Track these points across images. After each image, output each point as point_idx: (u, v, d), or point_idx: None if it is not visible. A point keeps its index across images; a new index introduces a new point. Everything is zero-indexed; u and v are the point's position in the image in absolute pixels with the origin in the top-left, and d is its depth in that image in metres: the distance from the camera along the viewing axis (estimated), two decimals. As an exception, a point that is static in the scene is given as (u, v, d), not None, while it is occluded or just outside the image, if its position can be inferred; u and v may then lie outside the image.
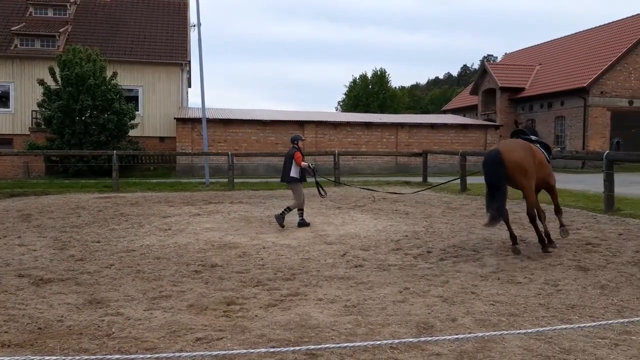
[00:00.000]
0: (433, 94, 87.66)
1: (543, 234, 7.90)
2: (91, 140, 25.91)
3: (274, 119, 30.31)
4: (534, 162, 7.67)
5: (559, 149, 30.64)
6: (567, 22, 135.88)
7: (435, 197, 16.03)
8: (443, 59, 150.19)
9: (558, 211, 8.69)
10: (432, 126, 32.23)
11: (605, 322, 4.47)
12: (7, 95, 30.97)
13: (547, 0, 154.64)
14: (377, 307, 5.32)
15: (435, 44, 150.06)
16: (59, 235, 9.60)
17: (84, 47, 27.27)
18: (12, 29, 31.22)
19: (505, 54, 49.96)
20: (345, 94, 66.85)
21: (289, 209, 10.56)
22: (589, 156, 26.05)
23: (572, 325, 4.46)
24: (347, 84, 66.20)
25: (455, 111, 45.28)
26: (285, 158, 10.93)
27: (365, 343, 4.11)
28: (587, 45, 36.13)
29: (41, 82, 26.33)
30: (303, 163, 10.59)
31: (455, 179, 14.03)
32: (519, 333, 3.89)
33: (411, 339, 4.11)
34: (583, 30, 39.29)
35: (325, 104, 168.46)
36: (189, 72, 35.76)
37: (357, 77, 64.06)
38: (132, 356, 3.62)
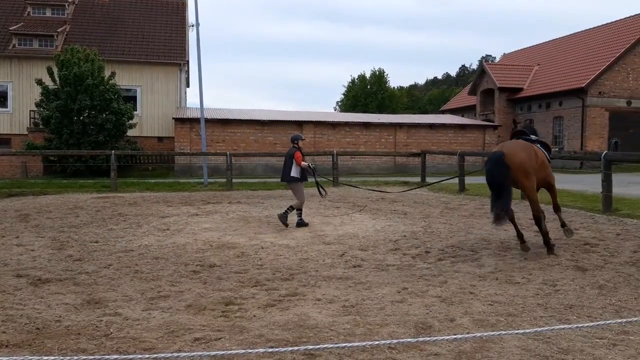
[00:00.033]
0: (431, 94, 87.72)
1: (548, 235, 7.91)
2: (89, 140, 25.88)
3: (272, 119, 30.30)
4: (536, 163, 7.72)
5: (557, 149, 30.71)
6: (565, 23, 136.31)
7: (433, 197, 16.04)
8: (441, 59, 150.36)
9: (557, 209, 8.73)
10: (431, 126, 32.25)
11: (603, 322, 4.48)
12: (5, 95, 30.93)
13: (546, 0, 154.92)
14: (376, 307, 5.32)
15: (433, 44, 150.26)
16: (57, 235, 9.59)
17: (82, 47, 27.23)
18: (10, 28, 31.18)
19: (504, 54, 49.99)
20: (343, 94, 66.91)
21: (291, 208, 10.58)
22: (587, 156, 26.09)
23: (570, 325, 4.47)
24: (346, 84, 66.30)
25: (453, 111, 45.31)
26: (285, 158, 10.94)
27: (364, 343, 4.11)
28: (585, 45, 36.18)
29: (39, 82, 26.30)
30: (303, 163, 10.59)
31: (446, 179, 14.04)
32: (517, 333, 3.89)
33: (409, 339, 4.11)
34: (581, 31, 39.34)
35: (323, 104, 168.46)
36: (188, 72, 35.75)
37: (356, 77, 64.14)
38: (131, 356, 3.62)
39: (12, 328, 4.74)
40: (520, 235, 7.96)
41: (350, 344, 3.75)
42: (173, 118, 29.46)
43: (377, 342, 4.11)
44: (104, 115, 26.20)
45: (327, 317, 5.04)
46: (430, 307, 5.31)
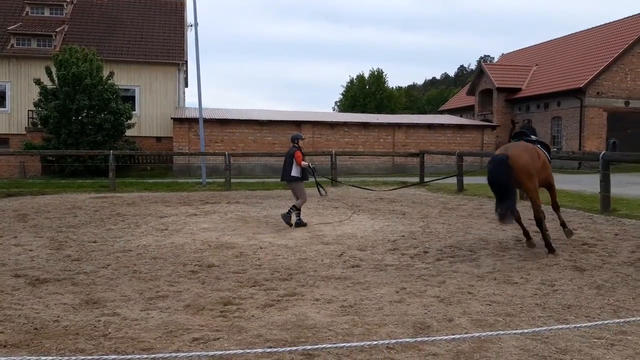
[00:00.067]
0: (430, 95, 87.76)
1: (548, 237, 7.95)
2: (88, 140, 25.86)
3: (271, 119, 30.30)
4: (539, 164, 7.82)
5: (555, 149, 30.75)
6: (565, 23, 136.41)
7: (432, 197, 16.05)
8: (440, 60, 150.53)
9: (557, 208, 8.83)
10: (429, 126, 32.27)
11: (601, 322, 4.49)
12: (3, 94, 30.89)
13: (545, 0, 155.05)
14: (374, 307, 5.32)
15: (432, 44, 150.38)
16: (55, 235, 9.58)
17: (80, 47, 27.21)
18: (9, 28, 31.14)
19: (502, 54, 50.02)
20: (342, 94, 66.92)
21: (295, 208, 10.59)
22: (585, 157, 26.13)
23: (568, 326, 4.47)
24: (344, 84, 66.30)
25: (452, 111, 45.34)
26: (285, 157, 10.95)
27: (362, 343, 4.11)
28: (583, 45, 36.22)
29: (38, 82, 26.27)
30: (303, 163, 10.60)
31: (436, 179, 14.06)
32: (515, 333, 3.90)
33: (408, 339, 4.11)
34: (579, 31, 39.40)
35: (322, 104, 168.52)
36: (186, 71, 35.74)
37: (354, 77, 64.15)
38: (129, 356, 3.61)
39: (10, 328, 4.73)
40: (526, 233, 8.09)
41: (348, 344, 3.76)
42: (171, 118, 29.45)
43: (375, 342, 4.11)
44: (103, 115, 26.18)
45: (325, 317, 5.04)
46: (428, 307, 5.31)
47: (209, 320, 4.98)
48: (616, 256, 7.54)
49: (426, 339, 3.50)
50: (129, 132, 28.30)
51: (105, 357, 3.88)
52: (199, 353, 4.03)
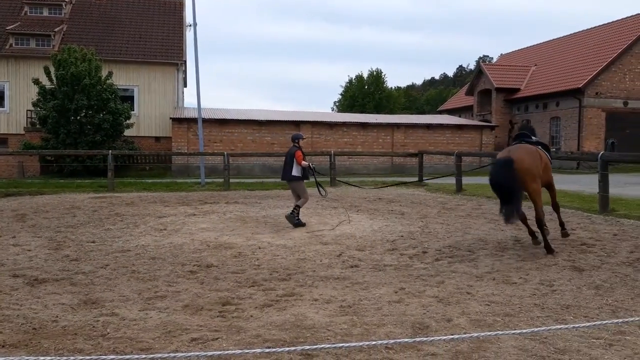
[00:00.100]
0: (429, 95, 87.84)
1: (547, 237, 8.00)
2: (86, 140, 25.84)
3: (269, 119, 30.30)
4: (541, 166, 7.96)
5: (554, 149, 30.79)
6: (565, 23, 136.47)
7: (431, 197, 16.06)
8: (439, 60, 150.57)
9: (557, 208, 8.94)
10: (428, 127, 32.29)
11: (599, 322, 4.49)
12: (2, 94, 30.86)
13: (545, 0, 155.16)
14: (373, 308, 5.32)
15: (431, 44, 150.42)
16: (53, 235, 9.57)
17: (79, 47, 27.20)
18: (7, 28, 31.11)
19: (501, 54, 50.07)
20: (341, 94, 66.91)
21: (298, 208, 10.60)
22: (584, 157, 26.18)
23: (566, 326, 4.47)
24: (343, 84, 66.30)
25: (451, 112, 45.37)
26: (285, 157, 10.95)
27: (361, 343, 4.11)
28: (582, 46, 36.26)
29: (36, 82, 26.24)
30: (304, 162, 10.60)
31: (425, 179, 14.06)
32: (514, 333, 3.90)
33: (406, 339, 4.11)
34: (578, 32, 39.44)
35: (321, 104, 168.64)
36: (185, 71, 35.73)
37: (353, 77, 64.18)
38: (127, 356, 3.61)
39: (8, 328, 4.72)
40: (531, 233, 8.21)
41: (347, 344, 3.76)
42: (170, 118, 29.44)
43: (374, 343, 4.11)
44: (101, 115, 26.16)
45: (324, 317, 5.04)
46: (427, 307, 5.31)
47: (208, 320, 4.98)
48: (615, 256, 7.54)
49: (425, 339, 3.50)
50: (127, 132, 28.29)
51: (104, 357, 3.88)
52: (197, 353, 4.03)
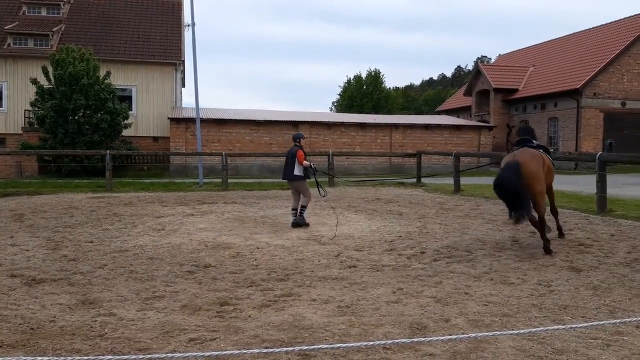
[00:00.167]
0: (427, 95, 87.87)
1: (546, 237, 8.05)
2: (84, 140, 25.81)
3: (268, 119, 30.29)
4: (545, 170, 8.11)
5: (552, 150, 30.83)
6: (564, 23, 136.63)
7: (429, 197, 16.07)
8: (437, 60, 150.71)
9: (555, 213, 9.07)
10: (426, 127, 32.31)
11: (597, 322, 4.50)
12: (0, 94, 30.81)
13: (542, 1, 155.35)
14: (371, 308, 5.32)
15: (430, 44, 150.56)
16: (51, 235, 9.55)
17: (77, 47, 27.17)
18: (5, 27, 31.07)
19: (499, 55, 50.16)
20: (339, 94, 66.89)
21: (304, 208, 10.61)
22: (582, 157, 26.18)
23: (564, 326, 4.48)
24: (342, 85, 66.33)
25: (449, 112, 45.40)
26: (287, 156, 10.95)
27: (359, 344, 4.11)
28: (580, 46, 36.31)
29: (34, 82, 26.21)
30: (305, 162, 10.60)
31: (415, 178, 14.04)
32: (511, 333, 3.91)
33: (404, 340, 4.12)
34: (576, 32, 39.50)
35: (319, 104, 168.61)
36: (183, 71, 35.70)
37: (352, 77, 64.15)
38: (125, 357, 3.61)
39: (6, 328, 4.72)
40: (542, 230, 8.23)
41: (345, 345, 3.76)
42: (168, 118, 29.42)
43: (372, 343, 4.11)
44: (99, 115, 26.13)
45: (322, 317, 5.04)
46: (425, 308, 5.32)
47: (206, 320, 4.97)
48: (612, 257, 7.56)
49: (423, 339, 3.50)
50: (125, 132, 28.27)
51: (102, 357, 3.87)
52: (195, 353, 4.02)
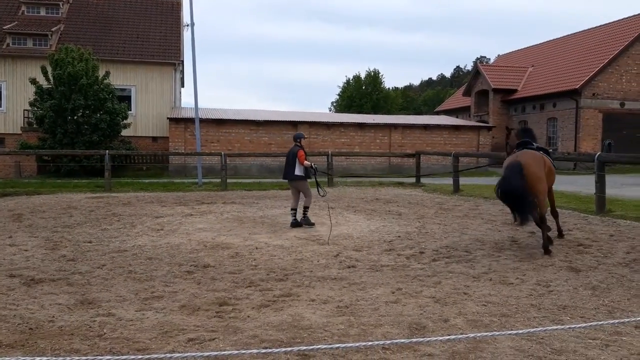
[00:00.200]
0: (426, 95, 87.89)
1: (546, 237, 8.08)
2: (83, 139, 25.78)
3: (267, 119, 30.28)
4: (546, 171, 8.19)
5: (551, 150, 30.86)
6: (563, 23, 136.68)
7: (428, 197, 16.08)
8: (436, 60, 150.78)
9: (556, 215, 9.10)
10: (425, 127, 32.31)
11: (596, 322, 4.50)
12: (-2, 94, 30.82)
13: (542, 1, 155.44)
14: (370, 308, 5.32)
15: (429, 45, 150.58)
16: (50, 235, 9.55)
17: (76, 46, 27.13)
18: (4, 27, 31.04)
19: (498, 55, 50.19)
20: (338, 94, 66.89)
21: (307, 209, 10.64)
22: (581, 158, 26.18)
23: (563, 326, 4.48)
24: (341, 85, 66.35)
25: (448, 112, 45.41)
26: (287, 156, 10.95)
27: (358, 344, 4.11)
28: (579, 47, 36.34)
29: (33, 81, 26.17)
30: (306, 162, 10.60)
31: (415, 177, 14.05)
32: (510, 334, 3.91)
33: (403, 340, 4.12)
34: (575, 33, 39.53)
35: (318, 104, 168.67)
36: (182, 71, 35.69)
37: (351, 77, 64.16)
38: (124, 357, 3.61)
39: (5, 328, 4.71)
40: (546, 231, 8.29)
41: (344, 345, 3.76)
42: (167, 118, 29.40)
43: (371, 343, 4.11)
44: (98, 115, 26.10)
45: (321, 317, 5.04)
46: (424, 308, 5.32)
47: (205, 320, 4.97)
48: (611, 257, 7.56)
49: (422, 339, 3.50)
50: (124, 132, 28.23)
51: (100, 357, 3.87)
52: (194, 354, 4.02)
